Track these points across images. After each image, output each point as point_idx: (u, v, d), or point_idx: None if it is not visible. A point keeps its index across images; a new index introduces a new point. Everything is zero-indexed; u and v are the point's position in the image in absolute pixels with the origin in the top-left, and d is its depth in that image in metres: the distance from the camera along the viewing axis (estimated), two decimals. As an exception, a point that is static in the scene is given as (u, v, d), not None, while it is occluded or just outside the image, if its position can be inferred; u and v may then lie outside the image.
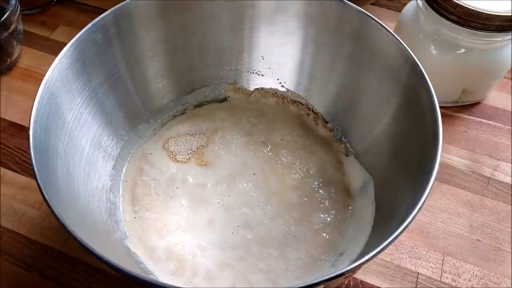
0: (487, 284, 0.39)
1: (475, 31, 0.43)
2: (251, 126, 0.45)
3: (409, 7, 0.49)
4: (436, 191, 0.44)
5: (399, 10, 0.55)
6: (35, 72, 0.52)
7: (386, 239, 0.27)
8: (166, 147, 0.43)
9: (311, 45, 0.43)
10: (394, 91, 0.38)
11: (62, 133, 0.35)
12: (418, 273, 0.40)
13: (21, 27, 0.51)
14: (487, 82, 0.49)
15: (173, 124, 0.45)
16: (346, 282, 0.39)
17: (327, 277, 0.26)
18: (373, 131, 0.41)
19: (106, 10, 0.37)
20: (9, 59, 0.51)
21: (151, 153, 0.43)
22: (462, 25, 0.43)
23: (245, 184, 0.41)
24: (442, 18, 0.44)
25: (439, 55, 0.46)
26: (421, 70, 0.35)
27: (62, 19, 0.57)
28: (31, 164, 0.29)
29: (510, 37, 0.44)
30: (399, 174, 0.37)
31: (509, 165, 0.46)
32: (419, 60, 0.35)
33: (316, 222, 0.39)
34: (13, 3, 0.48)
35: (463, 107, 0.50)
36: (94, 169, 0.39)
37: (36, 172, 0.29)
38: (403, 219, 0.28)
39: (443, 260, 0.40)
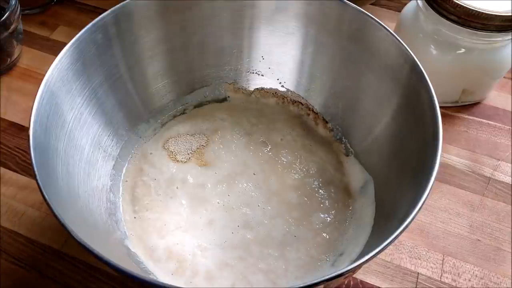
0: (487, 284, 0.39)
1: (475, 31, 0.43)
2: (251, 126, 0.45)
3: (409, 7, 0.49)
4: (436, 191, 0.44)
5: (399, 10, 0.55)
6: (35, 72, 0.52)
7: (386, 239, 0.27)
8: (166, 147, 0.43)
9: (311, 45, 0.43)
10: (394, 91, 0.38)
11: (62, 133, 0.35)
12: (418, 273, 0.40)
13: (21, 27, 0.51)
14: (487, 82, 0.49)
15: (173, 124, 0.45)
16: (346, 282, 0.39)
17: (327, 277, 0.26)
18: (373, 131, 0.41)
19: (106, 10, 0.37)
20: (9, 59, 0.51)
21: (151, 153, 0.43)
22: (462, 25, 0.43)
23: (245, 184, 0.41)
24: (442, 18, 0.44)
25: (439, 55, 0.46)
26: (421, 70, 0.35)
27: (62, 19, 0.57)
28: (31, 164, 0.29)
29: (510, 37, 0.44)
30: (399, 174, 0.37)
31: (509, 165, 0.46)
32: (419, 60, 0.35)
33: (316, 222, 0.39)
34: (13, 3, 0.48)
35: (463, 107, 0.50)
36: (94, 169, 0.38)
37: (36, 172, 0.29)
38: (403, 219, 0.28)
39: (443, 260, 0.40)
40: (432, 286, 0.39)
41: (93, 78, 0.38)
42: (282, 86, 0.46)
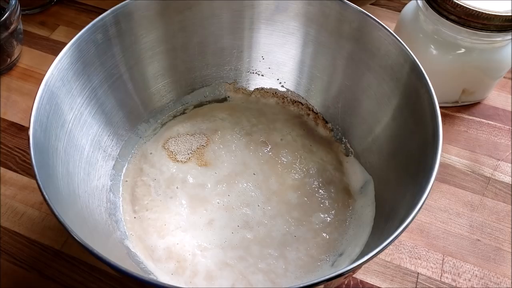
0: (487, 284, 0.39)
1: (475, 31, 0.43)
2: (251, 126, 0.45)
3: (409, 7, 0.49)
4: (436, 191, 0.44)
5: (399, 10, 0.55)
6: (35, 72, 0.52)
7: (386, 239, 0.27)
8: (166, 147, 0.43)
9: (311, 45, 0.43)
10: (394, 91, 0.38)
11: (62, 133, 0.35)
12: (418, 273, 0.40)
13: (21, 27, 0.51)
14: (487, 82, 0.49)
15: (173, 124, 0.45)
16: (346, 282, 0.39)
17: (327, 277, 0.26)
18: (373, 131, 0.41)
19: (106, 10, 0.37)
20: (9, 59, 0.51)
21: (151, 153, 0.43)
22: (462, 25, 0.43)
23: (245, 184, 0.41)
24: (442, 18, 0.44)
25: (439, 55, 0.46)
26: (421, 70, 0.35)
27: (62, 19, 0.57)
28: (31, 164, 0.29)
29: (510, 37, 0.44)
30: (399, 174, 0.37)
31: (509, 165, 0.46)
32: (419, 60, 0.35)
33: (316, 222, 0.39)
34: (13, 3, 0.48)
35: (463, 107, 0.50)
36: (94, 169, 0.39)
37: (36, 172, 0.29)
38: (403, 219, 0.28)
39: (443, 260, 0.40)
40: (432, 286, 0.39)
41: (93, 78, 0.38)
42: (282, 86, 0.46)
